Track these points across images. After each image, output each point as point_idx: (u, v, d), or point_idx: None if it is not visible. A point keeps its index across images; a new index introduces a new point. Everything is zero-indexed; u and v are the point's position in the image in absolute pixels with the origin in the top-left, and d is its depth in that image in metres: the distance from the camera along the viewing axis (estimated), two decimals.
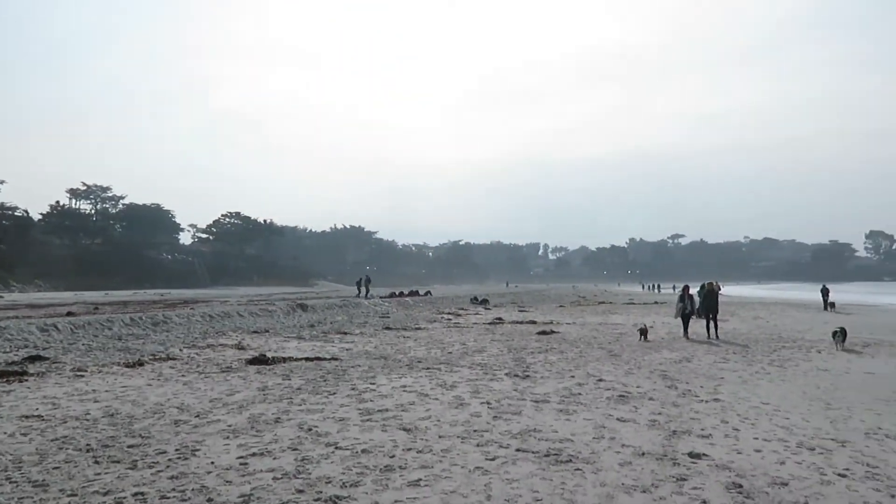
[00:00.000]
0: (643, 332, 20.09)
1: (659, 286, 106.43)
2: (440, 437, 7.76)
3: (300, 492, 5.79)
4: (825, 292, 41.37)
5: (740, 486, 6.05)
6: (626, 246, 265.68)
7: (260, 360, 14.19)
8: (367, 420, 8.63)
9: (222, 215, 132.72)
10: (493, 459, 6.82)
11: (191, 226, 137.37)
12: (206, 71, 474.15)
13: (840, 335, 17.96)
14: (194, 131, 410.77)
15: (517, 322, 27.80)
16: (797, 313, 36.10)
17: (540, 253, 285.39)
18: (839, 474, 6.51)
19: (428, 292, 58.44)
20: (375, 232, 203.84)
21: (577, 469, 6.51)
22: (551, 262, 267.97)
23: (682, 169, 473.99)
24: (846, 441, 7.96)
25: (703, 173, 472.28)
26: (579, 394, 10.72)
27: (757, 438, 7.92)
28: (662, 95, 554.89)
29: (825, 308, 39.06)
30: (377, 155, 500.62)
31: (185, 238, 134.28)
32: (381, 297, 45.67)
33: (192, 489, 5.85)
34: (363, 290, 50.17)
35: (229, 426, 8.25)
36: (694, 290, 22.44)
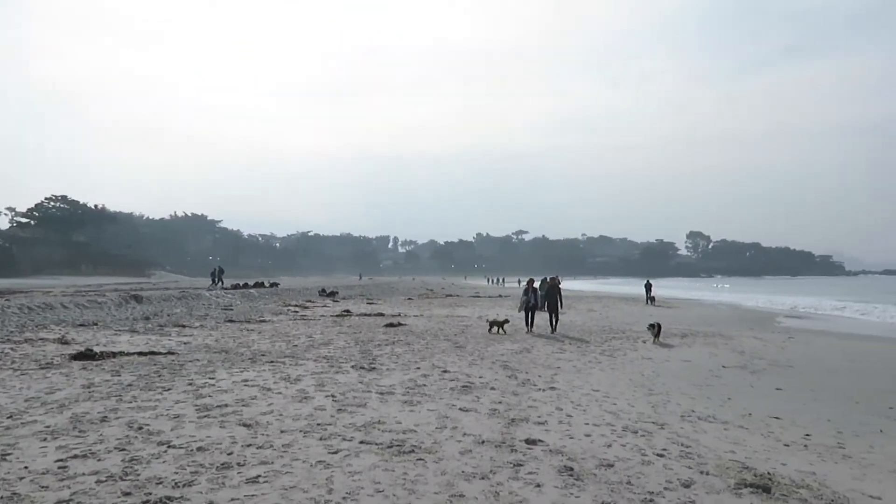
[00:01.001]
0: (495, 324, 20.46)
1: (503, 280, 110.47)
2: (282, 431, 7.56)
3: (127, 494, 5.42)
4: (648, 287, 44.65)
5: (571, 469, 6.40)
6: (473, 241, 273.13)
7: (86, 356, 13.14)
8: (205, 416, 8.24)
9: (45, 198, 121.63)
10: (335, 452, 6.75)
11: (8, 209, 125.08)
12: (28, 39, 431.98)
13: (654, 329, 18.93)
14: (12, 106, 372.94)
15: (365, 314, 27.74)
16: (626, 306, 38.81)
17: (390, 246, 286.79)
18: (658, 454, 7.06)
19: (274, 284, 56.86)
20: (220, 221, 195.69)
21: (420, 459, 6.60)
22: (401, 256, 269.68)
23: (530, 168, 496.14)
24: (665, 424, 8.66)
25: (549, 173, 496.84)
26: (424, 385, 10.87)
27: (588, 424, 8.42)
28: (517, 96, 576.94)
29: (647, 302, 42.10)
30: (223, 140, 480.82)
31: (2, 222, 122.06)
32: (223, 289, 43.88)
33: (1, 497, 5.31)
34: (218, 280, 49.23)
35: (47, 427, 7.57)
36: (536, 285, 23.45)
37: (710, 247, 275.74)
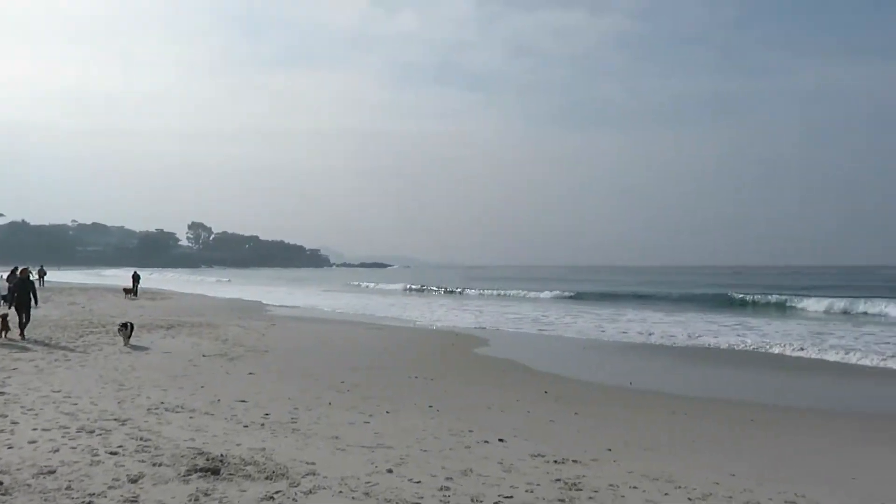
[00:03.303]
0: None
1: None
2: None
3: None
4: (136, 278, 42.45)
5: (1, 483, 5.64)
6: None
7: None
8: None
9: None
10: None
11: None
12: None
13: (127, 330, 16.43)
14: None
15: None
16: (115, 298, 36.51)
17: None
18: (111, 452, 6.73)
19: None
20: None
21: None
22: None
23: (6, 142, 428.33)
24: (128, 419, 8.34)
25: (33, 148, 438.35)
26: None
27: (36, 429, 7.57)
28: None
29: (131, 295, 38.98)
30: None
31: None
32: None
33: None
34: None
35: None
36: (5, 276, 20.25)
37: (211, 238, 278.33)
